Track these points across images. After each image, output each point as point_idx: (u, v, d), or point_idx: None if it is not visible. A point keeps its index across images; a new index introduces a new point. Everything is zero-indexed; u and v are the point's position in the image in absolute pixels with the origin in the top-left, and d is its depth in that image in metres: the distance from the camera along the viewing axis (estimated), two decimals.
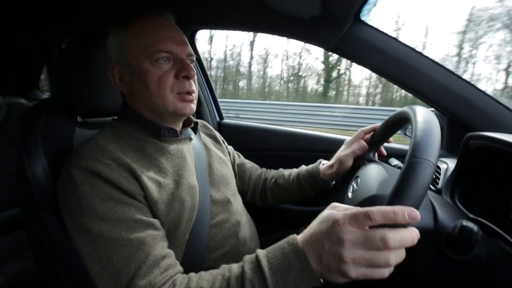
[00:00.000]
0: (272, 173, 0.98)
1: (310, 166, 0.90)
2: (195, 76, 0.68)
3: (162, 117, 0.68)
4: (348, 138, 0.86)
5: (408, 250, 0.40)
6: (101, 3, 0.97)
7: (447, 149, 1.01)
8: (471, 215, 0.60)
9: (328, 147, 1.20)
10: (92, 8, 1.02)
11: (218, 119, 1.51)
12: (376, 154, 0.83)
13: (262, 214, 1.03)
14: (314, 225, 0.44)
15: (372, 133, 0.83)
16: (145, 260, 0.52)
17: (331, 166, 0.83)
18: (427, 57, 0.87)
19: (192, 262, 0.65)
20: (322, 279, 0.43)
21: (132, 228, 0.54)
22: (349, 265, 0.39)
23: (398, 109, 0.65)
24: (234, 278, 0.47)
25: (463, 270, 0.49)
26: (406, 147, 1.13)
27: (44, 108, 0.71)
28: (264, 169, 1.02)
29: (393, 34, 0.87)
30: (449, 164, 0.84)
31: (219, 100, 1.52)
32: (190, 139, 0.76)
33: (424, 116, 0.50)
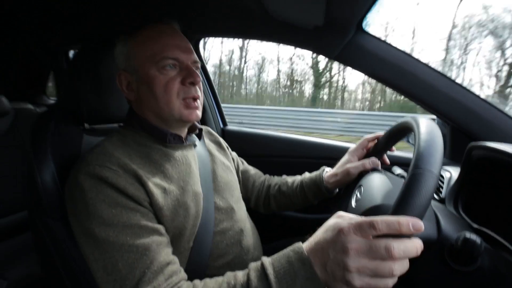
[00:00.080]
0: (276, 180, 0.98)
1: (314, 174, 0.90)
2: (201, 83, 0.69)
3: (168, 123, 0.69)
4: (352, 147, 0.86)
5: (412, 260, 0.40)
6: (108, 11, 0.99)
7: (450, 157, 1.01)
8: (474, 225, 0.60)
9: (331, 155, 1.21)
10: (99, 16, 1.04)
11: (222, 126, 1.52)
12: (379, 163, 0.83)
13: (265, 222, 1.03)
14: (319, 234, 0.45)
15: (376, 141, 0.83)
16: (150, 266, 0.52)
17: (335, 174, 0.83)
18: (428, 66, 0.87)
19: (196, 270, 0.65)
20: None
21: (137, 234, 0.55)
22: (354, 274, 0.39)
23: (401, 119, 0.66)
24: (239, 286, 0.47)
25: (466, 282, 0.49)
26: (409, 155, 1.13)
27: (53, 116, 0.73)
28: (267, 175, 1.02)
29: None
30: (452, 173, 0.84)
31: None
32: (195, 145, 0.77)
33: (427, 127, 0.50)
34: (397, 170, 0.83)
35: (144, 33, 0.68)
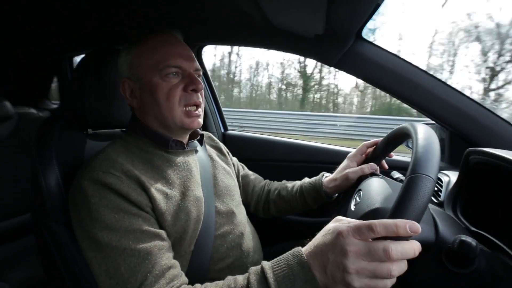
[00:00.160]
0: (276, 185, 0.99)
1: (313, 179, 0.91)
2: (202, 90, 0.71)
3: (170, 130, 0.71)
4: (351, 153, 0.87)
5: (410, 262, 0.41)
6: (112, 20, 1.01)
7: (449, 161, 1.02)
8: (472, 228, 0.61)
9: (331, 159, 1.22)
10: (103, 25, 1.06)
11: (222, 130, 1.53)
12: (378, 167, 0.84)
13: (265, 225, 1.03)
14: (318, 237, 0.46)
15: (374, 147, 0.85)
16: (152, 270, 0.53)
17: (335, 179, 0.84)
18: (427, 72, 0.89)
19: (196, 273, 0.66)
20: None
21: (139, 238, 0.56)
22: (353, 276, 0.40)
23: (399, 125, 0.67)
24: None
25: (464, 284, 0.50)
26: (407, 159, 1.14)
27: (57, 121, 0.74)
28: (267, 181, 1.03)
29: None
30: (450, 177, 0.85)
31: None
32: (196, 151, 0.78)
33: (424, 133, 0.52)
34: (396, 174, 0.84)
35: (148, 42, 0.69)
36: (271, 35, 0.95)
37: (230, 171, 0.88)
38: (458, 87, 0.87)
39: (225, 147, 0.96)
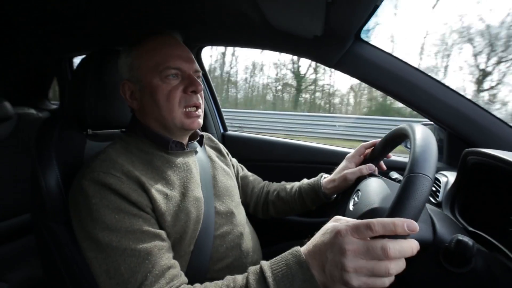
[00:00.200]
0: (274, 186, 0.99)
1: (312, 180, 0.91)
2: (202, 91, 0.71)
3: (170, 131, 0.71)
4: (349, 154, 0.88)
5: (408, 262, 0.42)
6: (112, 22, 1.02)
7: (447, 162, 1.02)
8: (470, 228, 0.61)
9: (330, 160, 1.22)
10: (103, 26, 1.06)
11: (222, 131, 1.54)
12: (376, 168, 0.85)
13: (264, 226, 1.04)
14: (317, 237, 0.46)
15: (372, 148, 0.85)
16: (152, 270, 0.53)
17: (333, 180, 0.84)
18: (425, 74, 0.90)
19: (196, 273, 0.66)
20: None
21: (139, 239, 0.56)
22: (351, 274, 0.40)
23: (397, 126, 0.68)
24: None
25: (460, 283, 0.50)
26: (406, 159, 1.15)
27: (57, 121, 0.74)
28: (266, 182, 1.03)
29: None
30: (449, 177, 0.85)
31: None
32: (196, 152, 0.79)
33: (422, 133, 0.52)
34: (394, 174, 0.85)
35: (147, 44, 0.70)
36: (270, 36, 0.95)
37: (230, 172, 0.88)
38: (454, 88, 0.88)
39: (225, 148, 0.96)
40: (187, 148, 0.76)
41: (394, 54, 0.89)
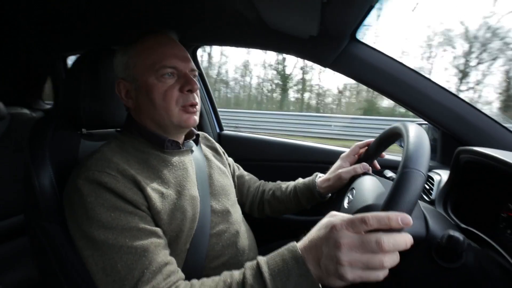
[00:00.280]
0: (270, 185, 1.00)
1: (307, 179, 0.92)
2: (198, 90, 0.71)
3: (166, 130, 0.71)
4: (343, 153, 0.89)
5: (401, 257, 0.42)
6: (108, 20, 1.01)
7: (441, 161, 1.04)
8: (462, 225, 0.62)
9: (325, 159, 1.23)
10: (98, 25, 1.06)
11: (218, 130, 1.54)
12: (370, 168, 0.85)
13: (260, 224, 1.04)
14: (313, 232, 0.47)
15: (367, 147, 0.86)
16: (149, 267, 0.54)
17: (328, 179, 0.85)
18: (420, 74, 0.91)
19: (192, 271, 0.66)
20: (321, 285, 0.45)
21: (136, 236, 0.56)
22: (346, 268, 0.41)
23: (391, 125, 0.68)
24: (235, 284, 0.49)
25: (452, 278, 0.51)
26: (399, 158, 1.16)
27: (51, 121, 0.73)
28: (262, 181, 1.04)
29: None
30: (442, 176, 0.86)
31: None
32: (192, 151, 0.79)
33: (415, 131, 0.54)
34: (389, 173, 0.86)
35: (143, 43, 0.69)
36: (266, 36, 0.96)
37: (226, 171, 0.88)
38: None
39: (221, 147, 0.97)
40: (183, 147, 0.76)
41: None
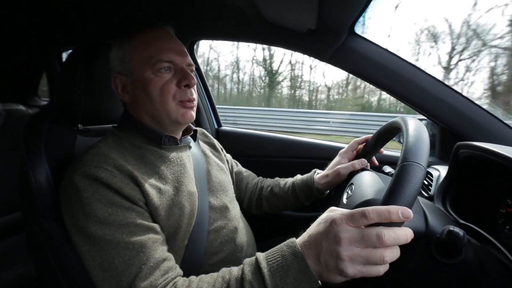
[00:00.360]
0: (268, 182, 1.00)
1: (305, 176, 0.92)
2: (195, 85, 0.70)
3: (163, 125, 0.70)
4: (342, 149, 0.88)
5: (400, 253, 0.42)
6: (104, 14, 0.99)
7: (439, 156, 1.04)
8: (461, 221, 0.62)
9: (324, 155, 1.23)
10: (94, 19, 1.04)
11: (216, 126, 1.53)
12: (368, 164, 0.85)
13: (259, 221, 1.04)
14: (312, 227, 0.47)
15: (365, 143, 0.86)
16: (146, 263, 0.53)
17: (326, 175, 0.85)
18: (419, 68, 0.90)
19: (190, 267, 0.66)
20: (321, 281, 0.44)
21: (133, 232, 0.55)
22: (346, 263, 0.40)
23: (390, 120, 0.68)
24: (234, 280, 0.48)
25: (451, 274, 0.51)
26: (398, 154, 1.16)
27: (46, 116, 0.72)
28: (260, 178, 1.03)
29: None
30: (441, 172, 0.86)
31: None
32: (190, 147, 0.78)
33: (414, 125, 0.53)
34: (387, 168, 0.86)
35: (140, 37, 0.68)
36: (264, 29, 0.95)
37: (224, 167, 0.88)
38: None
39: (219, 144, 0.96)
40: (181, 143, 0.75)
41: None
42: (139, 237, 0.55)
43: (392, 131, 0.72)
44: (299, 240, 0.47)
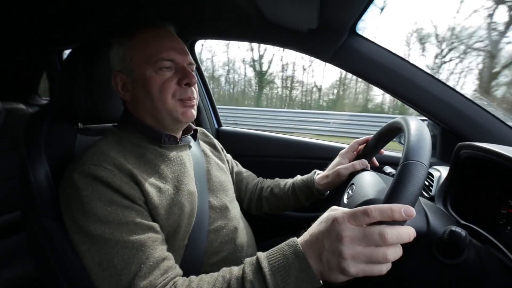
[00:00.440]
0: (268, 182, 0.99)
1: (305, 176, 0.91)
2: (196, 84, 0.70)
3: (164, 124, 0.70)
4: (342, 150, 0.88)
5: (402, 253, 0.42)
6: (104, 13, 0.99)
7: (440, 157, 1.03)
8: (462, 221, 0.62)
9: (324, 155, 1.23)
10: (94, 19, 1.04)
11: (216, 126, 1.53)
12: (369, 164, 0.85)
13: (259, 221, 1.04)
14: (314, 226, 0.46)
15: (365, 144, 0.85)
16: (146, 262, 0.53)
17: (326, 176, 0.85)
18: (420, 69, 0.90)
19: (190, 267, 0.65)
20: (322, 281, 0.44)
21: (133, 230, 0.55)
22: (349, 261, 0.40)
23: (390, 120, 0.68)
24: (234, 279, 0.48)
25: (453, 274, 0.51)
26: (399, 154, 1.16)
27: (46, 115, 0.72)
28: (260, 178, 1.03)
29: None
30: (442, 172, 0.86)
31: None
32: (190, 146, 0.78)
33: (415, 124, 0.53)
34: (388, 169, 0.85)
35: (140, 35, 0.68)
36: (264, 29, 0.94)
37: (224, 167, 0.88)
38: None
39: (219, 143, 0.96)
40: (181, 142, 0.75)
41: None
42: (138, 236, 0.55)
43: (392, 132, 0.71)
44: (300, 240, 0.46)
